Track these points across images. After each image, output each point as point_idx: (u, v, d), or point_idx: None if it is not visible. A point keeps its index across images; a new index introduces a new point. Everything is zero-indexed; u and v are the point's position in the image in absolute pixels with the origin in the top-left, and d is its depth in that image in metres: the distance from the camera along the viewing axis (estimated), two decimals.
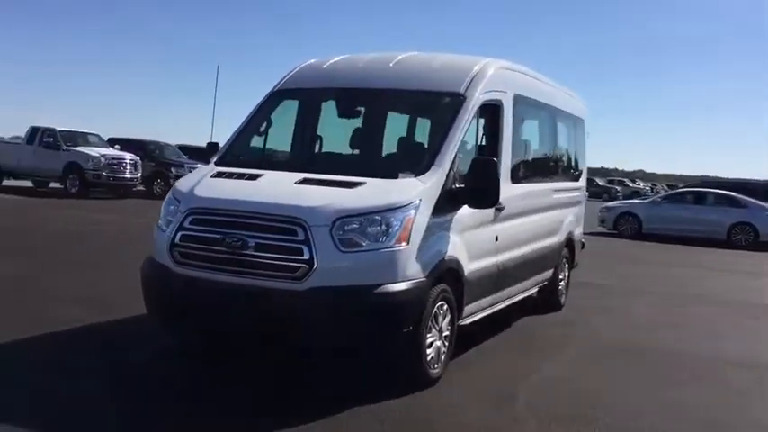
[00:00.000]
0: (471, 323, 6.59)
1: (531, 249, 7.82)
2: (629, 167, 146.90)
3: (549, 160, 8.79)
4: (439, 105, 6.46)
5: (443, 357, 5.88)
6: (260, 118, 6.85)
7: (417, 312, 5.38)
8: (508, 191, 6.90)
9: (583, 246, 10.28)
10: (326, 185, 5.53)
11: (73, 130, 25.23)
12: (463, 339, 6.73)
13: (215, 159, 6.48)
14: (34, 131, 24.69)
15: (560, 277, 9.21)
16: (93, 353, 6.13)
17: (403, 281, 5.27)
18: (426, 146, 6.43)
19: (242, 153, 6.49)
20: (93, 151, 23.75)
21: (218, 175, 6.00)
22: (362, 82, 6.80)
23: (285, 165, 6.23)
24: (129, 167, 24.13)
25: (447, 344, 5.92)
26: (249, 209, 5.33)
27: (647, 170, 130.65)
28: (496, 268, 6.83)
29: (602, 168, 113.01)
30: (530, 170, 7.93)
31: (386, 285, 5.20)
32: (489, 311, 7.01)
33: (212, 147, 6.90)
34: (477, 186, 5.90)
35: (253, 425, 4.72)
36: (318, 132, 7.04)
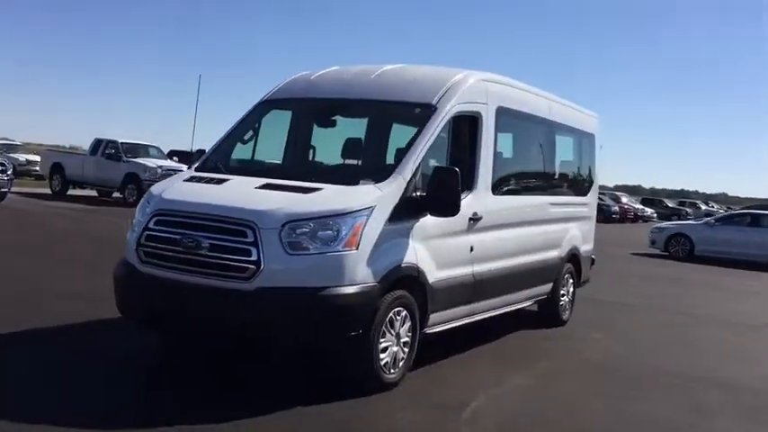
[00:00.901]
0: (449, 330, 6.69)
1: (522, 262, 7.81)
2: (710, 190, 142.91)
3: (545, 174, 8.74)
4: (410, 116, 6.58)
5: (402, 363, 5.95)
6: (245, 126, 7.10)
7: (366, 316, 5.48)
8: (488, 202, 6.96)
9: (593, 262, 10.16)
10: (284, 190, 5.71)
11: (134, 142, 26.29)
12: (443, 347, 6.87)
13: (196, 165, 6.76)
14: (98, 143, 25.82)
15: (562, 292, 9.13)
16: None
17: (350, 285, 5.39)
18: (390, 155, 6.54)
19: (221, 159, 6.73)
20: (151, 162, 24.64)
21: (191, 179, 6.26)
22: (343, 93, 6.98)
23: (256, 171, 6.42)
24: None
25: (407, 350, 5.99)
26: (205, 211, 5.56)
27: (730, 193, 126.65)
28: (473, 278, 6.86)
29: (682, 190, 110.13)
30: (517, 183, 7.94)
31: (332, 288, 5.32)
32: (467, 321, 7.05)
33: (199, 153, 7.18)
34: (437, 195, 5.98)
35: (190, 418, 4.89)
36: (295, 141, 7.24)
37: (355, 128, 7.13)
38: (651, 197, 66.59)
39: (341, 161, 6.86)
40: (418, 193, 5.99)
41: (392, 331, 5.79)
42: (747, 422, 6.03)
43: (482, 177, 6.91)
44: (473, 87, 6.85)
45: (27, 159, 35.42)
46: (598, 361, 7.64)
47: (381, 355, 5.71)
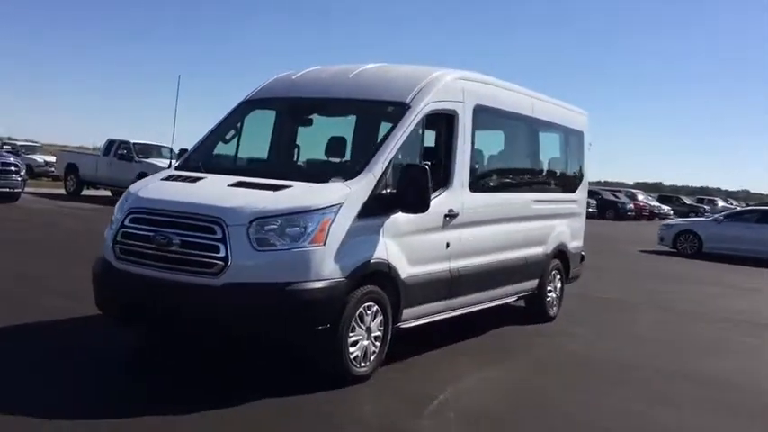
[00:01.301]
0: (430, 324, 6.85)
1: (503, 258, 7.91)
2: (733, 187, 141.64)
3: (528, 171, 8.83)
4: (384, 114, 6.71)
5: (373, 357, 6.08)
6: (227, 125, 7.26)
7: (334, 311, 5.62)
8: (465, 199, 7.08)
9: (582, 258, 10.22)
10: (254, 188, 5.87)
11: (147, 142, 26.58)
12: (424, 341, 7.05)
13: (176, 164, 6.93)
14: (111, 143, 26.17)
15: (549, 288, 9.22)
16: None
17: (317, 280, 5.53)
18: (363, 152, 6.65)
19: (201, 158, 6.89)
20: (162, 162, 24.91)
21: (168, 178, 6.44)
22: (321, 92, 7.13)
23: (233, 170, 6.57)
24: None
25: (378, 344, 6.12)
26: (176, 209, 5.72)
27: (753, 190, 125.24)
28: (449, 274, 6.97)
29: (703, 188, 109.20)
30: (497, 180, 8.04)
31: (299, 283, 5.47)
32: (444, 316, 7.16)
33: (182, 152, 7.36)
34: (407, 192, 6.10)
35: (162, 408, 5.04)
36: (274, 140, 7.37)
37: (333, 127, 7.26)
38: (670, 194, 65.99)
39: (316, 159, 7.00)
40: (388, 190, 6.11)
41: (362, 326, 5.93)
42: (707, 413, 6.08)
43: (458, 175, 7.01)
44: (448, 86, 6.96)
45: (45, 160, 36.03)
46: (578, 356, 7.73)
47: (351, 349, 5.84)
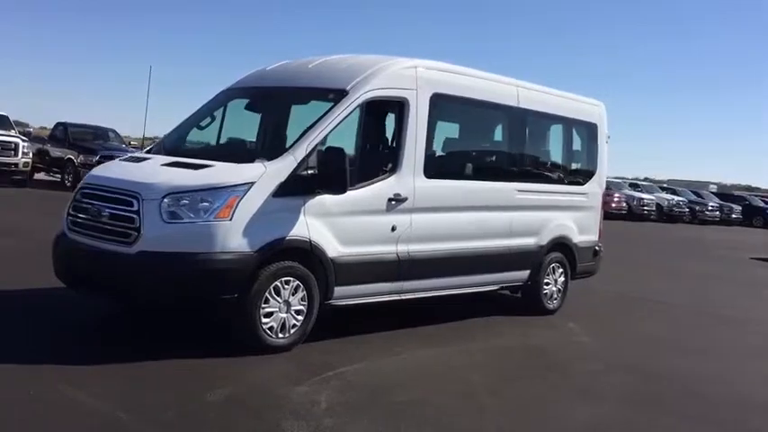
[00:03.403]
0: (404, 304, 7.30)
1: (474, 246, 7.95)
2: None
3: (510, 161, 8.72)
4: (323, 100, 6.97)
5: (294, 330, 6.40)
6: (202, 113, 7.79)
7: (240, 282, 5.99)
8: (418, 185, 7.23)
9: (596, 253, 9.94)
10: (181, 167, 6.36)
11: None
12: (396, 322, 7.49)
13: (148, 148, 7.57)
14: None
15: (546, 281, 9.10)
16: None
17: (222, 252, 5.94)
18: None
19: (169, 141, 7.49)
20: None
21: (125, 158, 7.09)
22: (279, 81, 7.54)
23: (182, 151, 7.07)
24: None
25: (301, 318, 6.43)
26: (109, 184, 6.34)
27: None
28: (396, 257, 7.16)
29: None
30: (463, 167, 8.09)
31: (204, 254, 5.89)
32: (395, 298, 7.34)
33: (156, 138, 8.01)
34: (325, 173, 6.38)
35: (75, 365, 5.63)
36: (230, 125, 7.78)
37: (281, 113, 7.62)
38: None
39: (246, 141, 7.40)
40: (310, 172, 6.41)
41: (278, 299, 6.26)
42: (625, 404, 5.91)
43: (407, 160, 7.17)
44: (396, 74, 7.15)
45: None
46: (540, 347, 7.63)
47: (265, 320, 6.19)
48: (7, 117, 22.62)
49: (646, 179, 56.32)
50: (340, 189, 6.43)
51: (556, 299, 9.33)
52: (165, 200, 5.95)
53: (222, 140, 7.58)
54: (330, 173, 6.36)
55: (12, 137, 20.96)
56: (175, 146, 7.35)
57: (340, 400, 5.34)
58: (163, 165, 6.50)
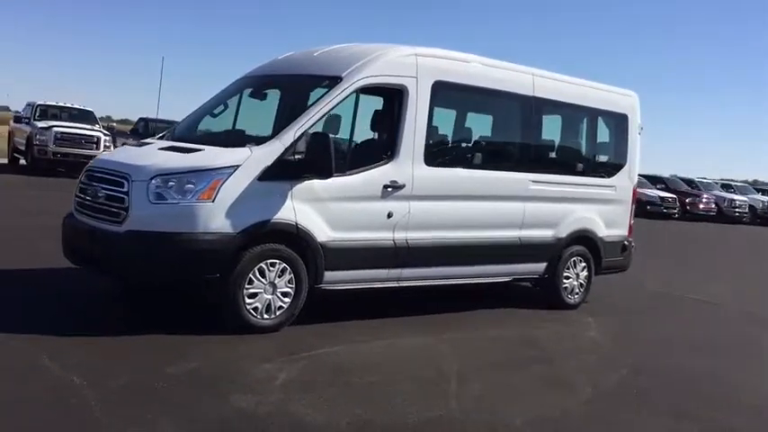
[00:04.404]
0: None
1: (480, 236, 7.90)
2: None
3: (524, 150, 8.57)
4: (319, 87, 7.07)
5: (281, 311, 6.55)
6: (216, 100, 8.04)
7: (222, 262, 6.18)
8: (417, 173, 7.25)
9: (624, 248, 9.64)
10: (174, 151, 6.62)
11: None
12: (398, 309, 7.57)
13: (161, 134, 7.89)
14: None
15: (566, 275, 8.93)
16: None
17: (205, 232, 6.14)
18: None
19: (178, 129, 7.78)
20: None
21: (134, 144, 7.40)
22: (283, 70, 7.74)
23: (184, 137, 7.31)
24: None
25: (288, 300, 6.57)
26: (106, 167, 6.66)
27: None
28: (393, 244, 7.20)
29: None
30: (468, 156, 8.05)
31: (186, 234, 6.11)
32: (393, 285, 7.39)
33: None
34: (311, 158, 6.49)
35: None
36: (240, 112, 7.91)
37: (282, 100, 7.76)
38: None
39: (241, 128, 7.55)
40: (298, 157, 6.53)
41: (263, 280, 6.42)
42: (601, 398, 5.75)
43: (406, 148, 7.19)
44: (394, 61, 7.19)
45: None
46: (537, 339, 7.50)
47: (249, 300, 6.37)
48: (92, 112, 23.88)
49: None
50: (325, 173, 6.53)
51: (577, 293, 9.13)
52: (153, 181, 6.20)
53: (229, 127, 7.79)
54: (315, 157, 6.47)
55: (94, 131, 22.05)
56: (183, 132, 7.61)
57: (298, 378, 5.45)
58: (160, 149, 6.77)
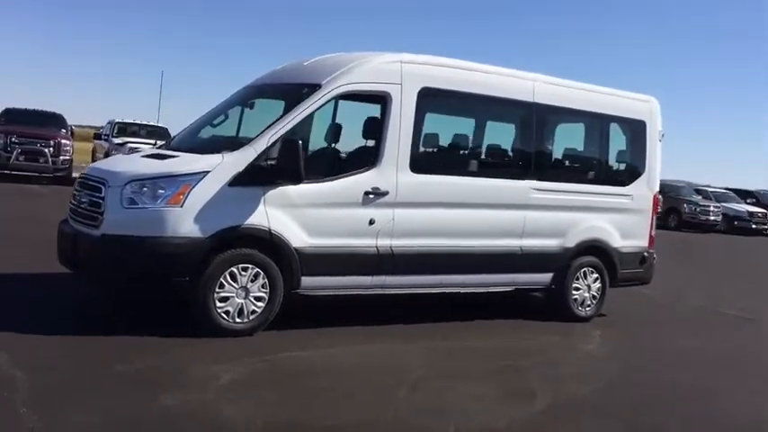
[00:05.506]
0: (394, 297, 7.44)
1: (474, 245, 7.76)
2: None
3: (523, 158, 8.36)
4: (299, 95, 7.11)
5: (254, 316, 6.62)
6: (219, 108, 8.21)
7: (190, 266, 6.31)
8: (401, 180, 7.21)
9: (643, 260, 9.24)
10: (154, 158, 6.85)
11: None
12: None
13: (162, 143, 8.16)
14: None
15: (575, 286, 8.64)
16: None
17: (174, 236, 6.30)
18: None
19: (176, 138, 8.02)
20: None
21: (126, 152, 7.68)
22: (274, 79, 7.84)
23: (176, 146, 7.50)
24: None
25: (261, 304, 6.64)
26: (92, 173, 6.95)
27: None
28: (376, 251, 7.17)
29: None
30: (459, 163, 7.95)
31: (155, 238, 6.29)
32: (378, 292, 7.37)
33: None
34: (281, 164, 6.56)
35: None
36: (223, 119, 8.02)
37: (267, 108, 7.83)
38: None
39: (225, 136, 7.65)
40: (271, 163, 6.62)
41: (235, 284, 6.52)
42: (558, 409, 5.53)
43: (389, 154, 7.16)
44: (377, 68, 7.20)
45: None
46: (519, 350, 7.27)
47: (221, 304, 6.47)
48: (166, 129, 24.83)
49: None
50: (295, 179, 6.59)
51: (589, 306, 8.81)
52: (127, 187, 6.41)
53: (207, 135, 7.93)
54: (284, 163, 6.53)
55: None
56: (178, 141, 7.85)
57: (243, 380, 5.50)
58: (143, 156, 7.01)
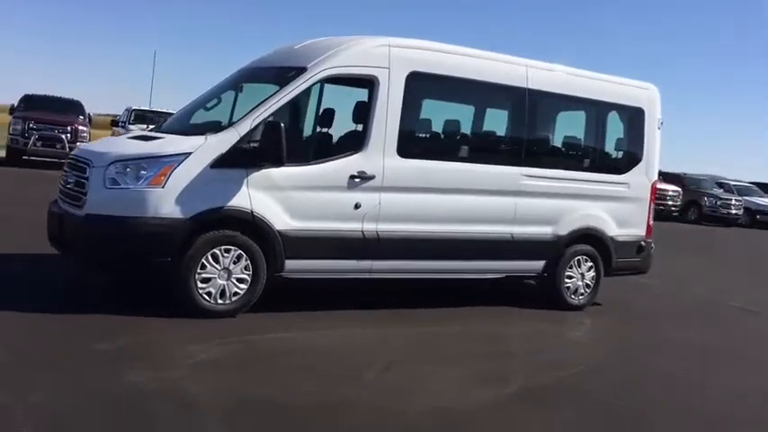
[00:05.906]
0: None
1: (462, 231, 7.72)
2: None
3: (514, 144, 8.29)
4: (286, 78, 7.12)
5: (237, 297, 6.66)
6: (212, 92, 8.23)
7: (172, 246, 6.37)
8: (388, 164, 7.20)
9: (640, 249, 9.14)
10: (139, 139, 6.90)
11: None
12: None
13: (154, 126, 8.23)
14: None
15: (568, 274, 8.58)
16: None
17: (155, 217, 6.35)
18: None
19: (169, 121, 8.06)
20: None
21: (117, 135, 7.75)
22: (264, 62, 7.84)
23: (165, 128, 7.56)
24: None
25: (244, 286, 6.68)
26: (78, 154, 7.02)
27: None
28: (362, 235, 7.18)
29: None
30: (448, 149, 7.91)
31: (137, 218, 6.34)
32: (365, 276, 7.37)
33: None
34: (262, 146, 6.58)
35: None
36: (216, 103, 8.04)
37: (249, 91, 7.82)
38: None
39: (214, 118, 7.66)
40: (254, 145, 6.63)
41: (217, 266, 6.56)
42: (527, 394, 5.50)
43: (376, 138, 7.16)
44: (364, 52, 7.18)
45: None
46: (501, 336, 7.27)
47: (202, 285, 6.52)
48: None
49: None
50: (277, 161, 6.60)
51: (582, 294, 8.74)
52: (111, 167, 6.47)
53: (220, 119, 7.96)
54: (266, 145, 6.55)
55: None
56: (169, 124, 7.89)
57: (214, 359, 5.56)
58: (129, 138, 7.07)
